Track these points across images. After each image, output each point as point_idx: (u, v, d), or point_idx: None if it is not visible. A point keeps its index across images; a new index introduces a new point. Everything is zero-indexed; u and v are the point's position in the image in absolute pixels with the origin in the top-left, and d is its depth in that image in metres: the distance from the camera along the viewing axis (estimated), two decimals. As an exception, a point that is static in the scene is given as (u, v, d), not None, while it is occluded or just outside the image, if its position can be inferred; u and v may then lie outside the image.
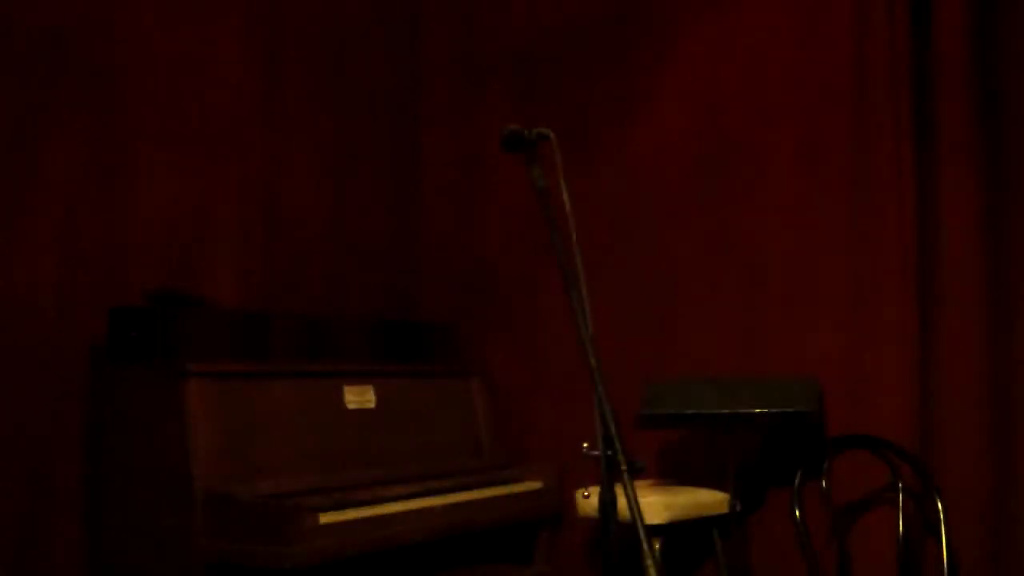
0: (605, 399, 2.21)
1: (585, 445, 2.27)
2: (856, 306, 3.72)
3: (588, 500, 3.63)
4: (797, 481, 3.47)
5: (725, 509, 3.57)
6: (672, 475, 4.02)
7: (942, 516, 3.33)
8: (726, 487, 3.56)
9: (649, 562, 2.08)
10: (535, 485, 4.07)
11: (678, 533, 3.67)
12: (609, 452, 2.20)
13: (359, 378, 3.84)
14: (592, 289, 2.35)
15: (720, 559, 3.70)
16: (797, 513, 3.42)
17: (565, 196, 2.37)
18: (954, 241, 3.57)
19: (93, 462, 3.43)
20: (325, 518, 3.18)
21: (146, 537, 3.29)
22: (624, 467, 2.16)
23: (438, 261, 4.69)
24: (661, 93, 4.19)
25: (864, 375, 3.68)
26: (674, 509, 3.52)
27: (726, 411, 3.52)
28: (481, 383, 4.33)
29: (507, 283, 4.51)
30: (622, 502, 2.18)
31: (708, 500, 3.65)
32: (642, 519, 2.10)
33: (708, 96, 4.09)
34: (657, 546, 3.48)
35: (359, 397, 3.81)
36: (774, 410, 3.48)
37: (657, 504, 3.50)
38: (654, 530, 3.47)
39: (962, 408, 3.53)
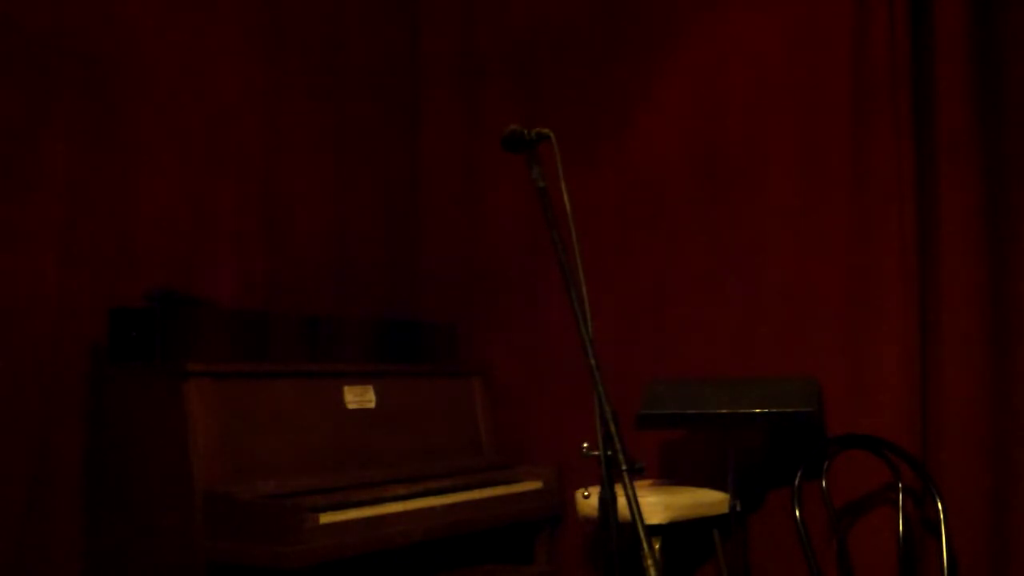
0: (605, 399, 2.21)
1: (585, 445, 2.27)
2: (856, 305, 3.72)
3: (588, 500, 3.63)
4: (797, 481, 3.47)
5: (725, 509, 3.57)
6: (672, 475, 4.02)
7: (942, 516, 3.33)
8: (726, 487, 3.56)
9: (649, 562, 2.09)
10: (535, 485, 4.07)
11: (678, 533, 3.67)
12: (609, 452, 2.20)
13: (359, 378, 3.84)
14: (592, 289, 2.35)
15: (720, 559, 3.71)
16: (797, 513, 3.42)
17: (565, 196, 2.38)
18: (954, 240, 3.57)
19: (93, 462, 3.43)
20: (325, 518, 3.18)
21: (146, 537, 3.29)
22: (624, 467, 2.16)
23: (438, 261, 4.68)
24: (661, 93, 4.19)
25: (864, 375, 3.68)
26: (674, 509, 3.52)
27: (726, 411, 3.51)
28: (481, 383, 4.33)
29: (507, 283, 4.50)
30: (622, 502, 2.18)
31: (708, 500, 3.65)
32: (642, 519, 2.10)
33: (708, 96, 4.08)
34: (657, 546, 3.48)
35: (359, 397, 3.81)
36: (774, 410, 3.48)
37: (657, 504, 3.50)
38: (654, 530, 3.47)
39: (962, 408, 3.53)
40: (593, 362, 2.24)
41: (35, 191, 3.41)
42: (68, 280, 3.46)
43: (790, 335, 3.84)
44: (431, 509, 3.57)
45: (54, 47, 3.47)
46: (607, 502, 2.24)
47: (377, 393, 3.88)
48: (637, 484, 2.19)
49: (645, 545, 2.09)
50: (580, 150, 4.22)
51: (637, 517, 2.10)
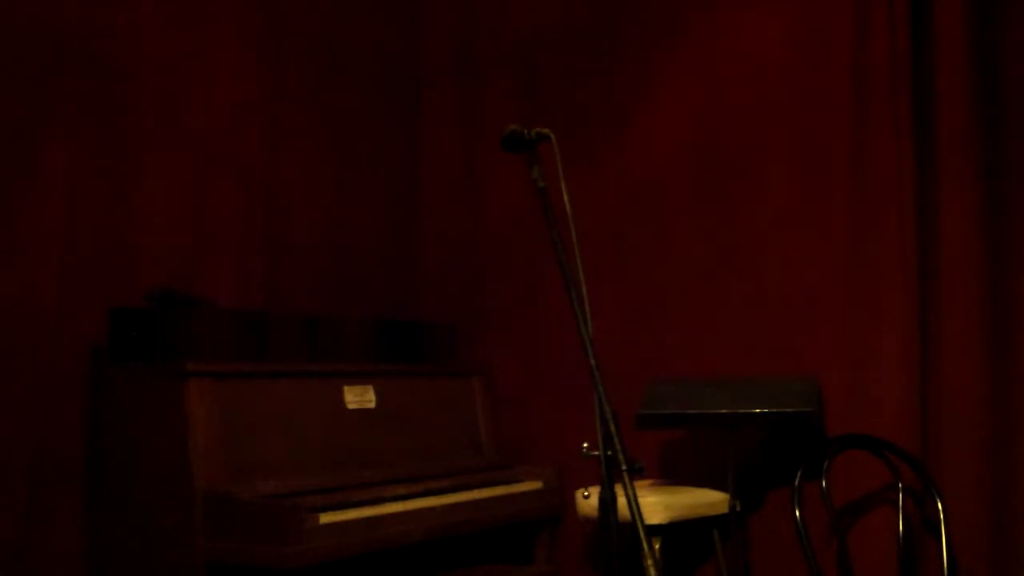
0: (605, 399, 2.21)
1: (585, 445, 2.27)
2: (856, 305, 3.72)
3: (588, 500, 3.63)
4: (797, 481, 3.46)
5: (725, 509, 3.57)
6: (672, 475, 4.02)
7: (942, 516, 3.33)
8: (726, 487, 3.56)
9: (649, 562, 2.09)
10: (535, 485, 4.07)
11: (678, 533, 3.67)
12: (609, 452, 2.20)
13: (359, 378, 3.84)
14: (592, 289, 2.35)
15: (720, 559, 3.70)
16: (797, 513, 3.42)
17: (565, 196, 2.38)
18: (954, 240, 3.57)
19: (93, 462, 3.43)
20: (325, 518, 3.18)
21: (146, 537, 3.29)
22: (624, 467, 2.16)
23: (438, 261, 4.68)
24: (661, 93, 4.19)
25: (864, 375, 3.68)
26: (674, 509, 3.52)
27: (726, 411, 3.51)
28: (481, 383, 4.33)
29: (507, 283, 4.50)
30: (622, 502, 2.18)
31: (708, 500, 3.65)
32: (642, 519, 2.10)
33: (708, 96, 4.08)
34: (657, 546, 3.48)
35: (359, 397, 3.81)
36: (774, 410, 3.48)
37: (657, 504, 3.50)
38: (654, 530, 3.47)
39: (962, 408, 3.53)
40: (593, 362, 2.24)
41: (35, 192, 3.41)
42: (68, 280, 3.46)
43: (790, 335, 3.84)
44: (431, 509, 3.57)
45: (55, 50, 3.47)
46: (607, 502, 2.24)
47: (377, 393, 3.88)
48: (637, 484, 2.19)
49: (645, 545, 2.09)
50: (580, 150, 4.22)
51: (637, 517, 2.10)
